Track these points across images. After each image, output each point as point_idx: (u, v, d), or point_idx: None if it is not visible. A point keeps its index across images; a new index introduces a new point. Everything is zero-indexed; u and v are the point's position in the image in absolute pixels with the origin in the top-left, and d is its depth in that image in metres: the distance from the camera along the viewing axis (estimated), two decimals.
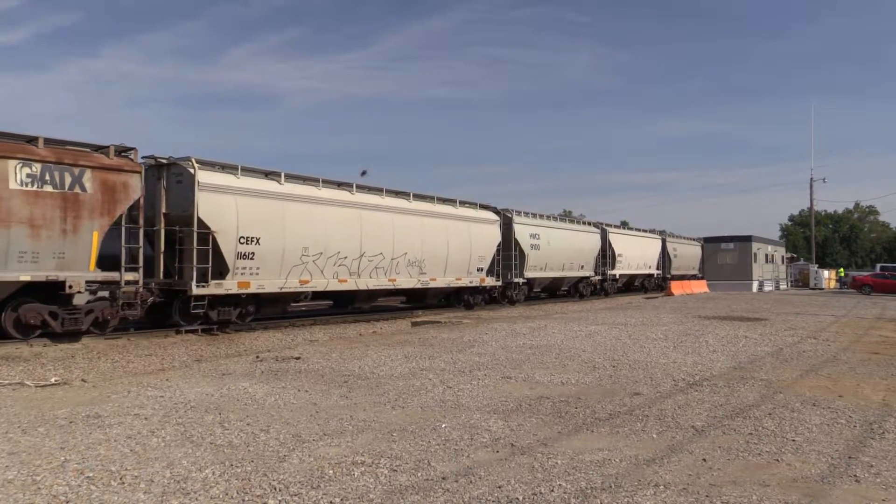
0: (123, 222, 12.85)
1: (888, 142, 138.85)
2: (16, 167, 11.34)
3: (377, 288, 19.13)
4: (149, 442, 5.76)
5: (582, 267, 30.89)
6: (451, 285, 22.31)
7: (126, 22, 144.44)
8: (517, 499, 4.44)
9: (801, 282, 56.30)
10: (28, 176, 11.47)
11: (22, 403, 7.40)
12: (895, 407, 7.48)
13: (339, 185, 18.34)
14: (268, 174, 16.39)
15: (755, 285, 46.01)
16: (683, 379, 9.21)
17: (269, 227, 15.48)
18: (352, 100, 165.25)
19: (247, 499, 4.41)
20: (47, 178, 11.71)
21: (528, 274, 26.24)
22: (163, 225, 14.37)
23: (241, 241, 14.88)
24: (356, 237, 17.92)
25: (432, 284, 21.25)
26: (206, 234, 14.17)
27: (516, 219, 25.61)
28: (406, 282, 20.02)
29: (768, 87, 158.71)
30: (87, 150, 12.78)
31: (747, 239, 47.83)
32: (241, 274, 15.03)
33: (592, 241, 31.90)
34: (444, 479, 4.84)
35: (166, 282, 14.30)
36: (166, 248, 14.39)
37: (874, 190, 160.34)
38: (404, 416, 6.83)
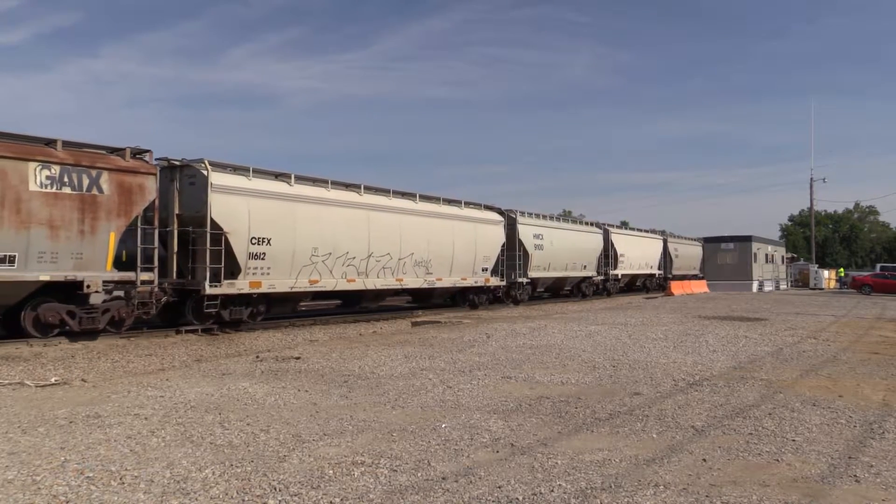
0: (139, 223, 13.03)
1: (888, 142, 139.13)
2: (35, 169, 11.54)
3: (385, 288, 19.37)
4: (149, 442, 5.75)
5: (584, 267, 31.08)
6: (457, 285, 22.53)
7: (126, 22, 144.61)
8: (517, 499, 4.44)
9: (801, 282, 56.29)
10: (47, 178, 11.69)
11: (22, 403, 7.40)
12: (895, 407, 7.48)
13: (348, 186, 18.53)
14: (278, 176, 16.60)
15: (755, 285, 46.01)
16: (683, 379, 9.21)
17: (280, 227, 15.72)
18: (352, 100, 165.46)
19: (247, 499, 4.41)
20: (66, 179, 11.94)
21: (532, 274, 26.45)
22: (176, 226, 14.56)
23: (253, 241, 15.11)
24: (364, 238, 18.15)
25: (438, 284, 21.45)
26: (218, 235, 14.40)
27: (520, 219, 25.81)
28: (413, 282, 20.21)
29: (768, 87, 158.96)
30: (104, 152, 12.98)
31: (747, 239, 47.84)
32: (253, 274, 15.26)
33: (595, 241, 32.08)
34: (444, 479, 4.84)
35: (179, 281, 14.50)
36: (179, 248, 14.59)
37: (874, 190, 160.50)
38: (404, 416, 6.83)
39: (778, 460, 5.37)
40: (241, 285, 15.02)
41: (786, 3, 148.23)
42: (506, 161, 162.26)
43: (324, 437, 5.98)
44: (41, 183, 11.57)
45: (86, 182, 12.19)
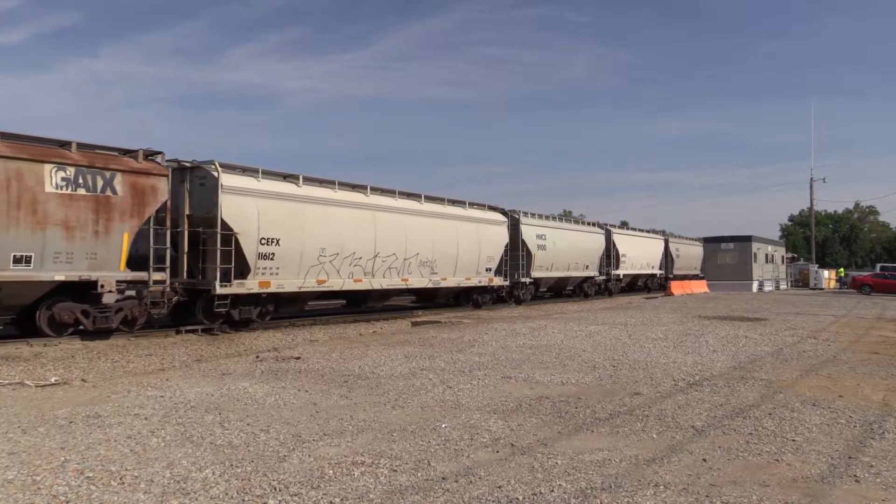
0: (151, 224, 13.20)
1: (888, 142, 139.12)
2: (51, 171, 11.72)
3: (390, 287, 19.56)
4: (149, 442, 5.75)
5: (587, 267, 31.26)
6: (461, 285, 22.70)
7: (126, 22, 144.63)
8: (517, 499, 4.44)
9: (801, 282, 56.29)
10: (63, 179, 11.86)
11: (22, 403, 7.40)
12: (895, 407, 7.48)
13: (354, 187, 18.70)
14: (286, 177, 16.77)
15: (755, 285, 46.01)
16: (683, 379, 9.21)
17: (289, 228, 15.92)
18: (352, 100, 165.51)
19: (247, 499, 4.41)
20: (80, 181, 12.12)
21: (535, 274, 26.63)
22: (186, 226, 14.71)
23: (262, 242, 15.31)
24: (370, 238, 18.33)
25: (443, 284, 21.62)
26: (228, 236, 14.59)
27: (523, 220, 26.00)
28: (418, 281, 20.39)
29: (768, 87, 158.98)
30: (117, 153, 13.14)
31: (747, 239, 47.85)
32: (262, 274, 15.45)
33: (597, 241, 32.29)
34: (444, 479, 4.84)
35: (190, 281, 14.68)
36: (189, 248, 14.75)
37: (874, 190, 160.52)
38: (404, 416, 6.83)
39: (778, 460, 5.37)
40: (250, 285, 15.21)
41: (786, 3, 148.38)
42: (506, 161, 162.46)
43: (324, 437, 5.98)
44: (57, 184, 11.76)
45: (100, 183, 12.38)
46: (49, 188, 11.65)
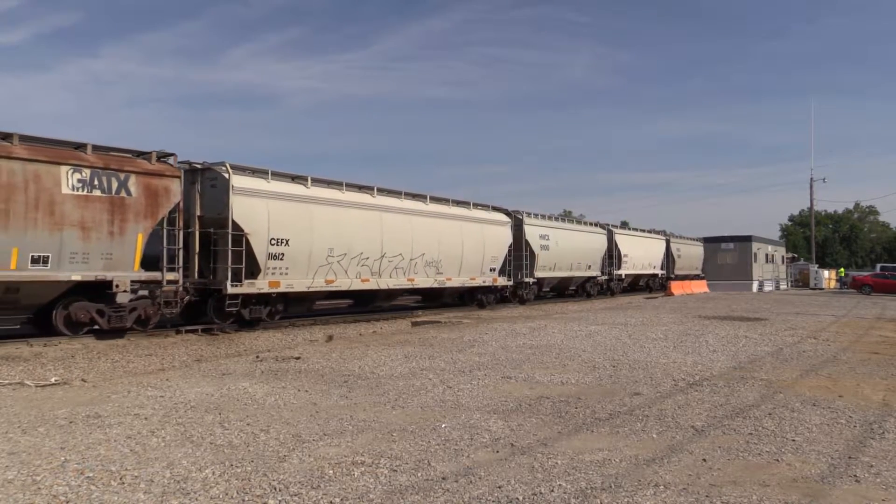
0: (164, 225, 13.40)
1: (888, 142, 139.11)
2: (67, 173, 11.93)
3: (397, 287, 19.80)
4: (149, 442, 5.75)
5: (589, 267, 31.48)
6: (466, 285, 22.91)
7: (126, 22, 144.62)
8: (517, 499, 4.44)
9: (801, 282, 56.29)
10: (79, 181, 12.08)
11: (22, 403, 7.40)
12: (895, 407, 7.48)
13: (361, 188, 18.94)
14: (295, 178, 16.98)
15: (755, 285, 46.02)
16: (683, 379, 9.20)
17: (298, 229, 16.14)
18: (352, 100, 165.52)
19: (247, 499, 4.41)
20: (96, 182, 12.33)
21: (538, 274, 26.87)
22: (197, 227, 14.89)
23: (272, 242, 15.52)
24: (377, 238, 18.56)
25: (448, 284, 21.83)
26: (239, 236, 14.80)
27: (527, 220, 26.26)
28: (424, 281, 20.59)
29: (768, 87, 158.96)
30: (130, 155, 13.33)
31: (747, 239, 47.87)
32: (272, 274, 15.64)
33: (599, 241, 32.53)
34: (444, 479, 4.84)
35: (201, 281, 14.89)
36: (200, 249, 14.92)
37: (874, 190, 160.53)
38: (404, 416, 6.83)
39: (778, 460, 5.37)
40: (260, 285, 15.42)
41: (786, 3, 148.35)
42: (506, 161, 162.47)
43: (324, 437, 5.98)
44: (73, 186, 11.98)
45: (115, 185, 12.59)
46: (66, 190, 11.87)
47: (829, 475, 5.01)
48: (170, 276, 13.54)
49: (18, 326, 12.91)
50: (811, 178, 60.86)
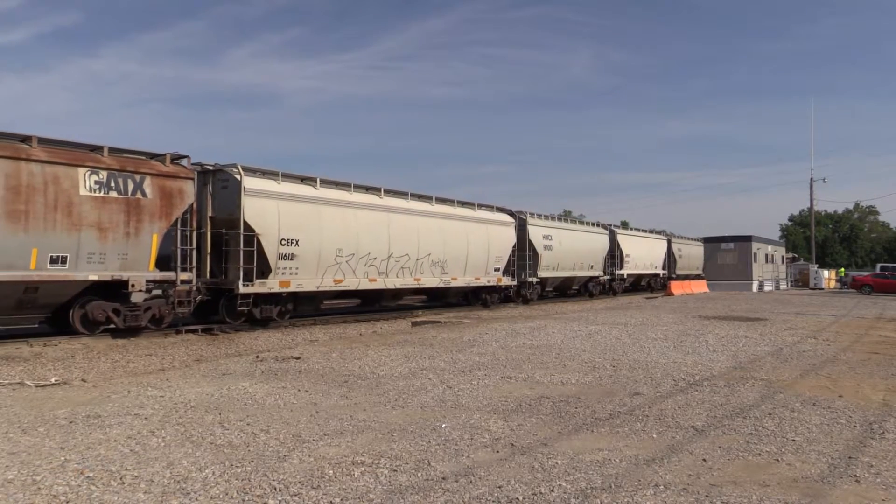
0: (179, 226, 13.63)
1: (888, 142, 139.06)
2: (85, 175, 12.15)
3: (404, 287, 20.02)
4: (149, 442, 5.75)
5: (592, 267, 31.74)
6: (471, 284, 23.17)
7: (126, 22, 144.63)
8: (517, 499, 4.44)
9: (801, 282, 56.27)
10: (96, 183, 12.31)
11: (22, 403, 7.40)
12: (895, 407, 7.48)
13: (368, 189, 19.23)
14: (303, 179, 17.24)
15: (755, 285, 46.03)
16: (683, 379, 9.20)
17: (308, 229, 16.39)
18: (352, 100, 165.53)
19: (247, 499, 4.40)
20: (112, 184, 12.56)
21: (542, 274, 27.15)
22: (209, 227, 15.11)
23: (283, 242, 15.76)
24: (385, 239, 18.80)
25: (454, 284, 22.08)
26: (251, 237, 15.03)
27: (530, 220, 26.52)
28: (430, 281, 20.83)
29: (768, 87, 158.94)
30: (145, 157, 13.55)
31: (747, 239, 47.90)
32: (283, 274, 15.88)
33: (601, 241, 32.80)
34: (444, 479, 4.84)
35: (213, 281, 15.13)
36: (211, 249, 15.12)
37: (874, 190, 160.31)
38: (404, 416, 6.83)
39: (778, 460, 5.37)
40: (271, 284, 15.65)
41: (786, 3, 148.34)
42: (506, 161, 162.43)
43: (324, 437, 5.98)
44: (90, 187, 12.20)
45: (130, 186, 12.81)
46: (83, 191, 12.09)
47: (829, 475, 5.01)
48: (183, 275, 13.80)
49: (37, 325, 13.10)
50: (811, 178, 61.06)
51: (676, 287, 37.59)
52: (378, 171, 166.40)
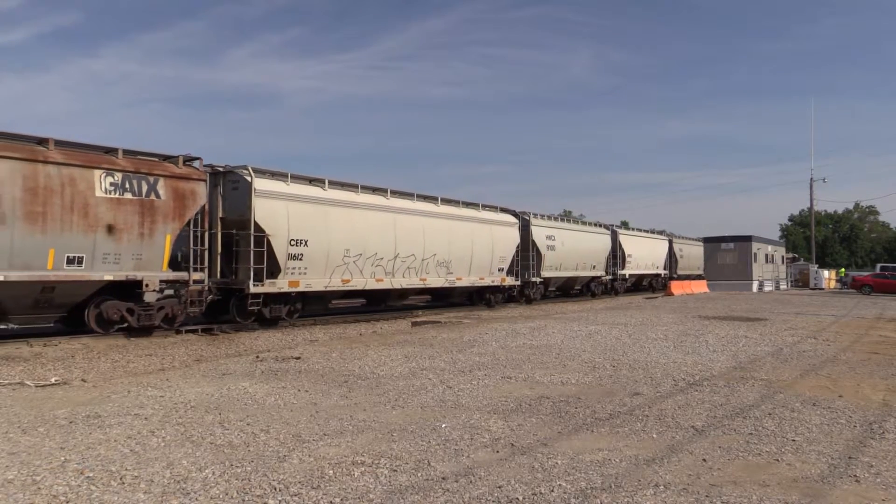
0: (191, 226, 13.83)
1: (888, 142, 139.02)
2: (101, 176, 12.34)
3: (409, 287, 20.26)
4: (149, 442, 5.75)
5: (594, 267, 31.94)
6: (475, 284, 23.40)
7: (126, 22, 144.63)
8: (517, 499, 4.44)
9: (801, 282, 56.26)
10: (111, 184, 12.50)
11: (22, 403, 7.39)
12: (895, 407, 7.48)
13: (375, 190, 19.44)
14: (311, 180, 17.42)
15: (755, 285, 46.04)
16: (683, 379, 9.20)
17: (316, 230, 16.60)
18: (352, 100, 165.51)
19: (247, 499, 4.40)
20: (127, 186, 12.76)
21: (545, 274, 27.38)
22: (219, 228, 15.29)
23: (292, 243, 15.95)
24: (391, 239, 19.03)
25: (458, 284, 22.31)
26: (261, 237, 15.22)
27: (533, 221, 26.76)
28: (435, 281, 21.05)
29: (768, 87, 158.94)
30: (158, 159, 13.72)
31: (747, 239, 47.92)
32: (292, 274, 16.07)
33: (603, 242, 33.00)
34: (444, 479, 4.84)
35: (224, 281, 15.34)
36: (222, 249, 15.30)
37: (874, 190, 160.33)
38: (404, 416, 6.83)
39: (778, 460, 5.37)
40: (281, 284, 15.85)
41: (786, 3, 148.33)
42: (506, 161, 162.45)
43: (324, 437, 5.98)
44: (106, 189, 12.39)
45: (144, 188, 12.99)
46: (99, 193, 12.27)
47: (829, 475, 5.01)
48: (196, 275, 13.99)
49: (52, 325, 13.24)
50: (811, 178, 61.01)
51: (676, 287, 37.64)
52: (378, 172, 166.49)
